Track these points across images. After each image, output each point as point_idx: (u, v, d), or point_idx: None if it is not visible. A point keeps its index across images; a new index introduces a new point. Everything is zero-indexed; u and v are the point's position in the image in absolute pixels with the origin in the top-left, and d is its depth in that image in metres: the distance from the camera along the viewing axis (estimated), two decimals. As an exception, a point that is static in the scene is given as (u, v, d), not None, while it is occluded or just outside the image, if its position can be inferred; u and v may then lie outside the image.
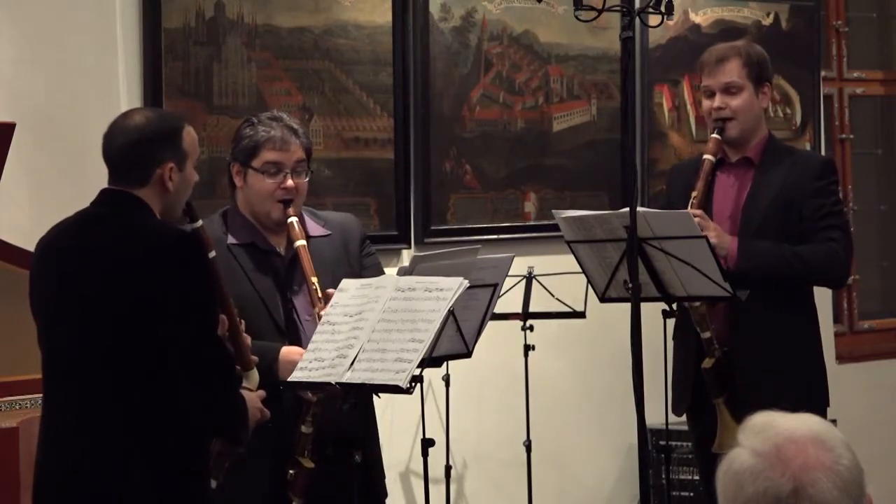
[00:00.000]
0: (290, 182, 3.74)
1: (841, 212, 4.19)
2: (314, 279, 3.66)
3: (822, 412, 4.12)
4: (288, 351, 3.60)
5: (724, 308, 4.13)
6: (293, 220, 3.74)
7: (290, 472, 3.57)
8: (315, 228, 3.83)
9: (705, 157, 4.15)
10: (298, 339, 3.66)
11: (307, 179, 3.81)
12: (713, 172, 4.20)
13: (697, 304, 4.08)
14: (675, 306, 4.08)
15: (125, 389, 3.04)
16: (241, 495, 3.62)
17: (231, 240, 3.75)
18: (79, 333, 3.08)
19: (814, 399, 4.12)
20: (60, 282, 3.13)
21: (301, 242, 3.71)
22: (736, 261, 4.04)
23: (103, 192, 3.19)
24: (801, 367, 4.17)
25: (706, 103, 4.23)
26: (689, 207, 4.07)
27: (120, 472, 3.04)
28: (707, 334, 4.10)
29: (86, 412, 3.07)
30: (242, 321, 3.39)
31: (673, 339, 4.32)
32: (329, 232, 3.85)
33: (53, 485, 3.12)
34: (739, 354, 4.11)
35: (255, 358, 3.39)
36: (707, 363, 4.10)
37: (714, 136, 4.17)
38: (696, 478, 5.56)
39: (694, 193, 4.11)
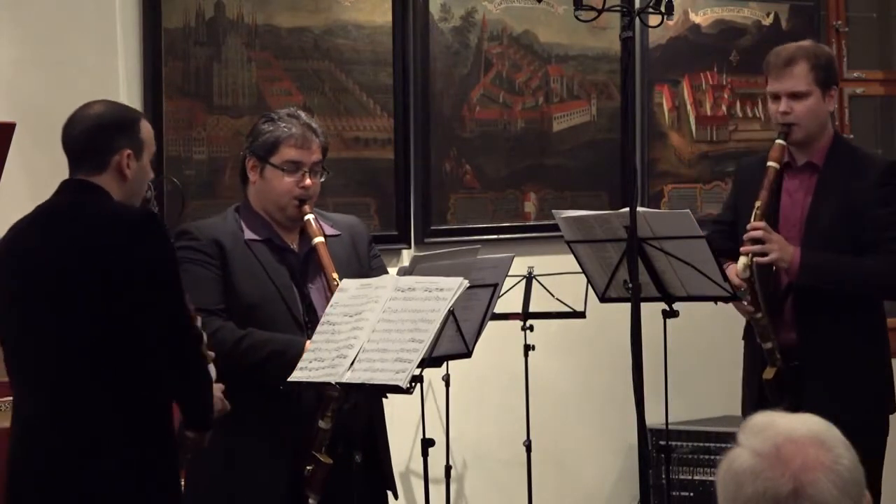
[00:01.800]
0: (308, 181, 3.74)
1: None
2: (335, 275, 3.66)
3: (884, 420, 4.11)
4: None
5: (792, 315, 4.07)
6: (310, 217, 3.75)
7: (308, 468, 3.57)
8: (326, 228, 3.83)
9: (769, 164, 4.02)
10: None
11: (322, 180, 3.82)
12: (779, 178, 4.09)
13: (759, 315, 4.01)
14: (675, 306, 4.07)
15: (106, 379, 3.06)
16: (260, 490, 3.63)
17: (248, 235, 3.75)
18: (54, 329, 3.09)
19: (878, 406, 4.08)
20: (27, 279, 3.15)
21: (319, 239, 3.72)
22: (798, 275, 3.98)
23: (64, 183, 3.24)
24: (868, 374, 4.09)
25: (772, 106, 4.10)
26: (753, 219, 3.97)
27: (102, 462, 3.06)
28: (769, 345, 4.04)
29: (64, 407, 3.09)
30: (199, 316, 3.40)
31: (742, 338, 4.28)
32: (339, 232, 3.85)
33: (35, 480, 3.12)
34: (808, 363, 4.04)
35: (210, 354, 3.39)
36: (768, 373, 4.04)
37: (779, 141, 4.04)
38: (696, 478, 5.56)
39: (757, 203, 3.98)
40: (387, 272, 3.91)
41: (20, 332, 3.18)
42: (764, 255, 3.96)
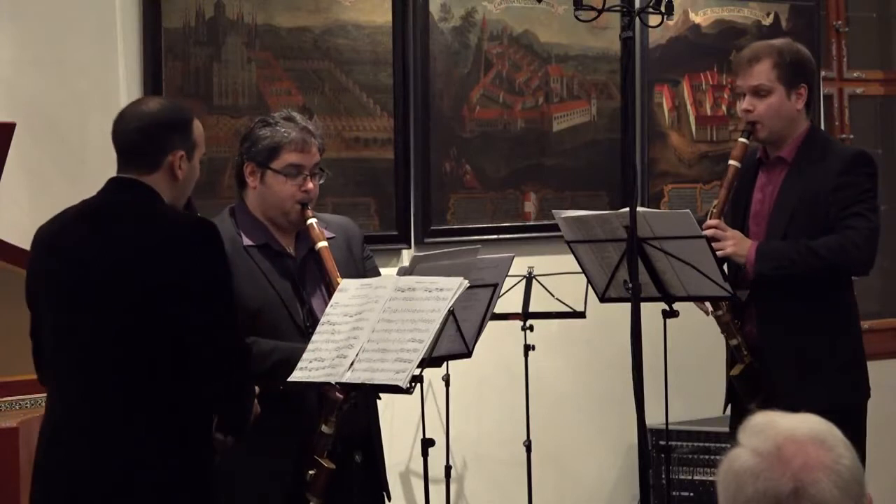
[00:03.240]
0: (310, 184, 3.74)
1: (865, 199, 4.00)
2: (339, 280, 3.66)
3: (858, 408, 4.08)
4: None
5: (755, 309, 4.08)
6: (313, 221, 3.74)
7: (310, 472, 3.57)
8: (324, 232, 3.83)
9: (731, 162, 4.06)
10: None
11: (322, 181, 3.82)
12: (755, 174, 4.13)
13: (720, 312, 4.03)
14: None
15: (144, 379, 3.04)
16: (262, 494, 3.62)
17: (246, 241, 3.74)
18: (98, 325, 3.06)
19: (848, 395, 4.06)
20: (74, 273, 3.11)
21: (324, 244, 3.73)
22: (753, 265, 3.99)
23: (113, 181, 3.18)
24: (834, 364, 4.07)
25: (739, 104, 4.15)
26: (709, 217, 4.03)
27: (136, 461, 3.04)
28: (734, 341, 4.05)
29: (104, 405, 3.06)
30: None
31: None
32: (333, 234, 3.85)
33: (66, 476, 3.10)
34: (771, 356, 4.05)
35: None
36: (735, 370, 4.06)
37: (741, 139, 4.08)
38: (696, 478, 5.56)
39: (715, 202, 4.04)
40: (379, 272, 3.91)
41: (59, 326, 3.15)
42: (718, 251, 3.97)
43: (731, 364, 4.16)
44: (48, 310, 3.18)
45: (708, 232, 3.98)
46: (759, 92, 4.07)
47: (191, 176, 3.20)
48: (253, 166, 3.76)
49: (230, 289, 3.14)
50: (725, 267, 4.04)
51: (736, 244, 4.01)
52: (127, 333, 3.03)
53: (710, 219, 4.04)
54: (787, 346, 4.05)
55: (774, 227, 4.08)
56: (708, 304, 4.07)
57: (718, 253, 3.97)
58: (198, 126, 3.23)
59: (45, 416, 3.22)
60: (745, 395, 4.06)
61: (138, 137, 3.15)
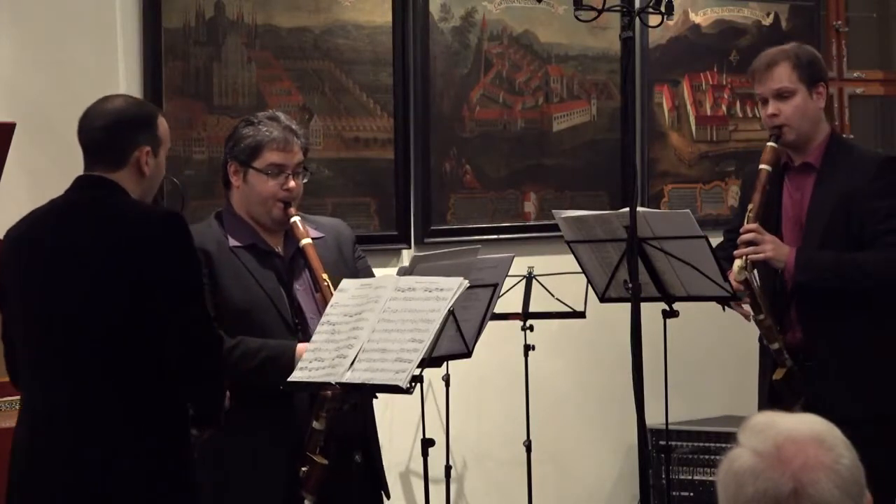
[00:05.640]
0: (292, 183, 3.75)
1: None
2: (325, 275, 3.66)
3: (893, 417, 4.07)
4: (303, 348, 3.60)
5: (797, 314, 4.05)
6: (296, 219, 3.75)
7: (303, 469, 3.57)
8: (310, 231, 3.83)
9: (761, 167, 4.01)
10: (307, 337, 3.66)
11: (305, 181, 3.83)
12: (780, 180, 4.09)
13: (762, 316, 3.99)
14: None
15: (122, 375, 3.05)
16: (256, 492, 3.63)
17: (232, 242, 3.75)
18: (70, 323, 3.07)
19: (890, 400, 4.05)
20: (45, 273, 3.12)
21: (307, 241, 3.73)
22: (793, 273, 3.96)
23: (80, 179, 3.21)
24: (879, 369, 4.04)
25: (762, 111, 4.10)
26: (746, 221, 3.97)
27: (113, 459, 3.04)
28: (776, 345, 4.01)
29: (80, 402, 3.07)
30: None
31: (759, 339, 4.23)
32: (322, 235, 3.86)
33: (44, 474, 3.10)
34: (816, 361, 4.02)
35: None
36: (778, 374, 4.02)
37: (770, 143, 4.04)
38: (696, 478, 5.56)
39: (750, 206, 3.98)
40: (372, 273, 3.91)
41: (33, 325, 3.15)
42: (757, 255, 3.95)
43: (765, 367, 4.13)
44: (20, 310, 3.18)
45: (747, 236, 3.94)
46: (782, 94, 4.04)
47: (157, 172, 3.23)
48: (236, 165, 3.78)
49: (199, 280, 3.15)
50: (755, 272, 4.01)
51: (774, 249, 3.95)
52: (99, 330, 3.04)
53: (748, 223, 3.97)
54: (833, 353, 4.02)
55: (810, 235, 4.04)
56: (747, 307, 4.01)
57: (755, 257, 3.94)
58: (163, 122, 3.26)
59: (20, 416, 3.22)
60: (788, 399, 4.02)
61: (103, 135, 3.17)
